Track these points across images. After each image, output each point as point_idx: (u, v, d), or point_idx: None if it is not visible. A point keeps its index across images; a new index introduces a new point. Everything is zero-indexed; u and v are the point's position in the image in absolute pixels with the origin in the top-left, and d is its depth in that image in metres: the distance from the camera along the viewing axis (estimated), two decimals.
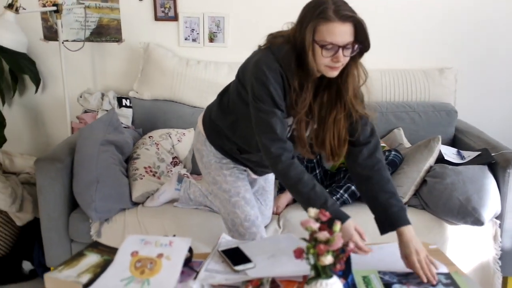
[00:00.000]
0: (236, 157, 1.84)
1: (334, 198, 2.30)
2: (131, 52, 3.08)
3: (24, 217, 2.56)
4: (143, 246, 1.50)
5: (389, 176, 1.65)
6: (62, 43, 2.83)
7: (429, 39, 3.08)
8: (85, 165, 2.28)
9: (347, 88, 1.55)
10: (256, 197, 2.09)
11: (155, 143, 2.63)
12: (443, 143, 2.71)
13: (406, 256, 1.50)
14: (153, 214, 2.29)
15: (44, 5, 2.98)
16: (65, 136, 2.88)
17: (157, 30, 3.05)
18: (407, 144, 2.72)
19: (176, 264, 1.44)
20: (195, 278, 1.42)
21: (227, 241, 1.65)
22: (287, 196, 2.40)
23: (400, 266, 1.50)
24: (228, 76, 2.80)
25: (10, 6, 2.43)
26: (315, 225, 1.24)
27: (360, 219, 2.21)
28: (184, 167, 2.67)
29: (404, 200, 2.33)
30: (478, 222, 2.15)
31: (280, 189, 2.52)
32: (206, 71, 2.91)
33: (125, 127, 2.79)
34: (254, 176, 1.97)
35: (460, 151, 2.55)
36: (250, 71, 1.57)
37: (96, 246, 1.57)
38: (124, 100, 2.88)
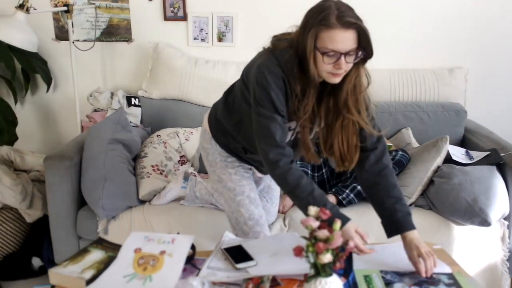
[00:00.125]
0: (241, 156, 1.85)
1: (340, 197, 2.30)
2: (141, 52, 3.10)
3: (34, 214, 2.60)
4: (146, 243, 1.52)
5: (396, 181, 1.65)
6: (73, 42, 2.87)
7: (439, 38, 3.06)
8: (93, 163, 2.31)
9: (358, 93, 1.54)
10: (262, 195, 2.10)
11: (163, 141, 2.65)
12: (452, 143, 2.69)
13: (410, 256, 1.51)
14: (159, 212, 2.31)
15: (56, 6, 3.02)
16: (76, 134, 2.91)
17: (167, 30, 3.07)
18: (415, 144, 2.70)
19: (178, 261, 1.45)
20: (197, 275, 1.44)
21: (230, 239, 1.66)
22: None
23: (402, 265, 1.50)
24: (236, 76, 2.79)
25: (21, 7, 2.46)
26: (315, 224, 1.24)
27: (365, 219, 2.23)
28: (192, 165, 2.68)
29: (411, 200, 2.32)
30: (485, 223, 2.13)
31: None
32: (215, 71, 2.93)
33: (134, 126, 2.82)
34: (259, 174, 1.98)
35: (469, 151, 2.53)
36: (252, 75, 1.57)
37: (100, 243, 1.59)
38: (133, 99, 2.91)
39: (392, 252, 1.60)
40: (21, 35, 2.50)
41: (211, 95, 2.85)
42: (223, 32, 3.06)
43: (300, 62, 1.50)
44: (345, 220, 1.52)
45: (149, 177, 2.40)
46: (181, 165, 2.61)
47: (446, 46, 3.07)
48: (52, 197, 2.32)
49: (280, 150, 1.56)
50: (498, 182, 2.22)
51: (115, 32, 3.09)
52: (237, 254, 1.52)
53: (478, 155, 2.44)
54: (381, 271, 1.45)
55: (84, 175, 2.33)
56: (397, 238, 1.59)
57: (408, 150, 2.57)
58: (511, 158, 2.32)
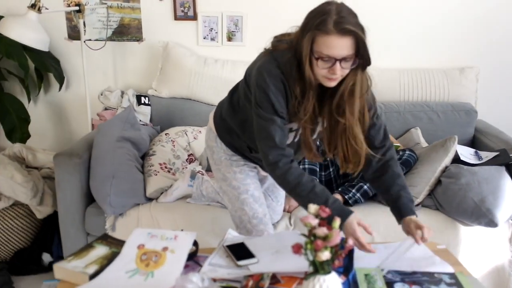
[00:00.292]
0: (246, 155, 1.86)
1: (346, 197, 2.30)
2: (151, 51, 3.13)
3: (44, 210, 2.64)
4: (149, 239, 1.54)
5: (400, 171, 1.69)
6: (84, 42, 2.90)
7: (450, 38, 3.04)
8: (101, 160, 2.34)
9: (355, 98, 1.54)
10: (267, 193, 2.10)
11: (171, 140, 2.67)
12: (462, 143, 2.67)
13: (407, 230, 1.57)
14: (166, 209, 2.33)
15: (68, 5, 3.06)
16: (87, 132, 2.95)
17: (177, 30, 3.09)
18: (424, 143, 2.69)
19: (180, 257, 1.47)
20: (198, 271, 1.45)
21: (233, 236, 1.67)
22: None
23: (404, 265, 1.49)
24: None
25: (33, 6, 2.50)
26: (314, 221, 1.25)
27: (372, 219, 2.23)
28: (200, 164, 2.70)
29: (418, 200, 2.31)
30: (492, 223, 2.11)
31: None
32: (224, 70, 2.95)
33: (144, 124, 2.84)
34: (264, 173, 1.99)
35: (478, 151, 2.51)
36: (253, 77, 1.59)
37: (105, 239, 1.61)
38: (143, 98, 2.94)
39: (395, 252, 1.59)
40: (33, 34, 2.53)
41: (220, 94, 2.85)
42: (233, 31, 3.07)
43: (299, 64, 1.50)
44: (347, 213, 1.53)
45: (156, 175, 2.42)
46: (189, 164, 2.63)
47: (458, 46, 3.05)
48: (61, 193, 2.35)
49: (279, 151, 1.58)
50: (506, 183, 2.20)
51: (126, 31, 3.12)
52: (239, 251, 1.53)
53: (487, 155, 2.42)
54: (382, 270, 1.44)
55: (93, 173, 2.36)
56: (400, 237, 1.59)
57: (417, 150, 2.56)
58: None
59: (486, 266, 2.27)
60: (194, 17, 3.06)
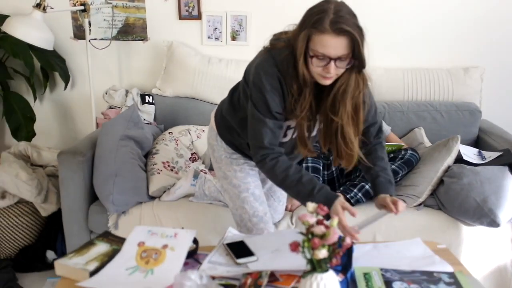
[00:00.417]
0: (246, 153, 1.87)
1: (348, 196, 2.30)
2: (156, 50, 3.14)
3: (49, 208, 2.66)
4: (149, 237, 1.55)
5: (384, 156, 1.74)
6: (89, 41, 2.92)
7: (455, 37, 3.03)
8: (104, 159, 2.35)
9: (346, 99, 1.55)
10: (269, 194, 2.11)
11: (175, 139, 2.68)
12: (466, 143, 2.67)
13: (380, 203, 1.62)
14: (168, 208, 2.34)
15: (74, 5, 3.08)
16: (91, 131, 2.97)
17: (181, 29, 3.11)
18: (427, 143, 2.68)
19: (180, 255, 1.47)
20: (198, 269, 1.46)
21: (233, 234, 1.67)
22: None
23: (403, 264, 1.49)
24: None
25: (38, 6, 2.52)
26: (312, 219, 1.25)
27: None
28: (203, 163, 2.71)
29: (420, 199, 2.30)
30: (494, 223, 2.10)
31: None
32: (227, 69, 2.96)
33: (147, 123, 2.86)
34: None
35: (481, 151, 2.50)
36: (251, 75, 1.60)
37: (106, 236, 1.62)
38: (147, 97, 2.95)
39: (395, 251, 1.59)
40: (37, 33, 2.55)
41: (224, 94, 2.83)
42: (237, 31, 3.08)
43: (296, 61, 1.50)
44: (333, 198, 1.54)
45: (159, 173, 2.44)
46: (192, 162, 2.64)
47: (462, 45, 3.04)
48: (65, 191, 2.37)
49: (267, 150, 1.62)
50: (509, 183, 2.19)
51: (131, 31, 3.14)
52: (239, 250, 1.53)
53: (490, 155, 2.41)
54: (382, 269, 1.44)
55: (96, 171, 2.37)
56: (400, 237, 1.59)
57: (420, 150, 2.55)
58: None
59: (488, 266, 2.26)
60: (199, 17, 3.08)
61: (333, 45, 1.41)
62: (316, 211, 1.31)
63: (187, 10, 3.08)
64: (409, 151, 2.39)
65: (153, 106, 2.95)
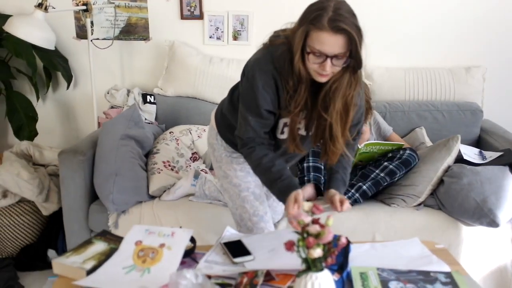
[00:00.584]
0: None
1: (345, 196, 2.29)
2: (158, 50, 3.15)
3: (50, 207, 2.67)
4: (147, 236, 1.55)
5: (350, 156, 1.75)
6: (91, 41, 2.93)
7: (457, 37, 3.02)
8: (105, 158, 2.36)
9: (336, 97, 1.56)
10: (269, 194, 2.10)
11: (175, 138, 2.69)
12: (467, 143, 2.66)
13: (330, 197, 1.63)
14: (168, 207, 2.34)
15: (77, 5, 3.09)
16: (93, 131, 2.98)
17: (183, 29, 3.11)
18: (429, 143, 2.68)
19: (177, 254, 1.48)
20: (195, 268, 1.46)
21: (231, 234, 1.67)
22: (306, 192, 2.40)
23: (400, 264, 1.49)
24: None
25: (40, 5, 2.53)
26: (307, 219, 1.25)
27: (373, 218, 2.23)
28: (204, 162, 2.71)
29: (420, 199, 2.30)
30: (493, 223, 2.09)
31: (299, 185, 2.53)
32: (229, 69, 2.96)
33: (149, 123, 2.86)
34: None
35: (482, 151, 2.49)
36: (246, 69, 1.62)
37: (104, 235, 1.63)
38: (148, 97, 2.96)
39: (392, 250, 1.59)
40: (39, 33, 2.56)
41: (225, 93, 2.83)
42: (239, 30, 3.08)
43: (293, 58, 1.51)
44: (291, 190, 1.57)
45: (159, 173, 2.44)
46: (193, 162, 2.64)
47: (464, 44, 3.03)
48: (65, 190, 2.38)
49: (247, 141, 1.67)
50: (510, 183, 2.17)
51: (133, 30, 3.15)
52: (236, 249, 1.53)
53: (491, 155, 2.40)
54: (378, 269, 1.44)
55: (96, 170, 2.38)
56: (400, 236, 1.59)
57: (421, 150, 2.54)
58: None
59: (488, 267, 2.25)
60: (200, 16, 3.08)
61: (330, 42, 1.42)
62: (312, 211, 1.31)
63: (189, 10, 3.08)
64: (407, 151, 2.37)
65: (154, 105, 2.96)
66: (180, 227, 1.64)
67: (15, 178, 2.55)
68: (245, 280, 1.37)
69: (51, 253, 2.67)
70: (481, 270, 2.25)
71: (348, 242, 1.52)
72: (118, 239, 1.58)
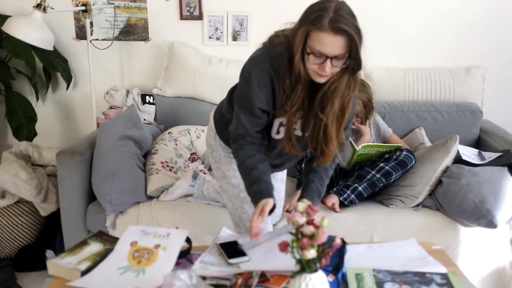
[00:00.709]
0: None
1: (341, 198, 2.29)
2: (157, 51, 3.15)
3: (48, 207, 2.67)
4: (142, 236, 1.55)
5: (330, 167, 1.76)
6: (90, 41, 2.93)
7: (456, 37, 3.00)
8: (103, 158, 2.36)
9: (334, 98, 1.55)
10: None
11: (174, 139, 2.69)
12: (467, 144, 2.65)
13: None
14: (166, 208, 2.34)
15: (77, 5, 3.09)
16: (92, 131, 2.98)
17: (183, 29, 3.11)
18: (428, 144, 2.66)
19: (172, 254, 1.47)
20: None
21: (227, 234, 1.67)
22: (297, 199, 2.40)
23: (396, 265, 1.48)
24: None
25: (38, 6, 2.53)
26: (301, 219, 1.25)
27: (370, 219, 2.22)
28: (202, 163, 2.70)
29: (418, 200, 2.29)
30: (491, 224, 2.07)
31: (298, 185, 2.53)
32: (228, 69, 2.96)
33: (148, 123, 2.86)
34: None
35: (482, 152, 2.48)
36: (244, 68, 1.63)
37: (100, 236, 1.63)
38: (147, 97, 2.96)
39: (388, 251, 1.58)
40: (37, 33, 2.56)
41: (224, 94, 2.82)
42: (238, 31, 3.08)
43: (291, 58, 1.51)
44: (262, 198, 1.58)
45: (157, 173, 2.44)
46: (192, 162, 2.64)
47: (464, 45, 3.02)
48: (63, 191, 2.38)
49: (235, 137, 1.68)
50: (508, 184, 2.16)
51: (133, 31, 3.15)
52: (231, 250, 1.53)
53: (490, 156, 2.39)
54: (374, 270, 1.43)
55: (95, 170, 2.38)
56: (399, 237, 1.58)
57: (419, 150, 2.53)
58: None
59: (486, 268, 2.24)
60: (200, 17, 3.08)
61: (330, 43, 1.42)
62: (307, 211, 1.31)
63: (188, 10, 3.08)
64: (404, 152, 2.35)
65: (153, 106, 2.95)
66: (177, 227, 1.64)
67: (13, 178, 2.55)
68: (239, 281, 1.36)
69: (49, 253, 2.64)
70: (479, 271, 2.23)
71: (344, 243, 1.52)
72: (113, 240, 1.58)
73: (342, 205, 2.28)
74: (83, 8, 2.85)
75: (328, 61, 1.44)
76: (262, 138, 1.70)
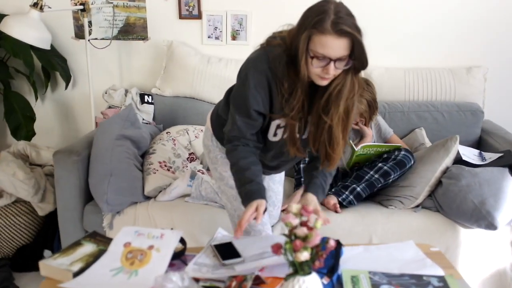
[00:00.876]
0: None
1: (340, 199, 2.27)
2: (156, 50, 3.14)
3: (46, 207, 2.66)
4: (136, 237, 1.53)
5: (329, 174, 1.75)
6: (88, 41, 2.92)
7: (457, 36, 2.98)
8: (100, 158, 2.35)
9: (339, 100, 1.53)
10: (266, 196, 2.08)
11: (172, 138, 2.67)
12: (467, 145, 2.62)
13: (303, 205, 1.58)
14: (163, 208, 2.32)
15: (75, 5, 3.08)
16: (90, 131, 2.97)
17: (182, 28, 3.10)
18: (428, 144, 2.64)
19: (165, 256, 1.46)
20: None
21: (222, 236, 1.65)
22: (301, 193, 2.38)
23: (393, 267, 1.46)
24: None
25: (35, 5, 2.52)
26: (295, 221, 1.23)
27: (369, 220, 2.20)
28: (201, 163, 2.69)
29: (418, 201, 2.26)
30: (491, 226, 2.05)
31: (296, 186, 2.51)
32: (227, 69, 2.94)
33: (146, 123, 2.85)
34: None
35: (482, 152, 2.45)
36: (241, 69, 1.61)
37: (94, 236, 1.61)
38: (146, 97, 2.94)
39: (386, 253, 1.56)
40: (34, 32, 2.55)
41: (223, 93, 2.83)
42: (237, 30, 3.06)
43: (290, 61, 1.49)
44: (254, 198, 1.55)
45: (155, 173, 2.42)
46: (190, 162, 2.62)
47: (465, 44, 2.99)
48: (60, 191, 2.37)
49: (229, 139, 1.66)
50: (509, 185, 2.13)
51: (132, 30, 3.14)
52: (226, 251, 1.51)
53: (491, 156, 2.36)
54: (370, 272, 1.41)
55: (91, 170, 2.37)
56: (397, 239, 1.56)
57: (420, 151, 2.51)
58: None
59: (487, 270, 2.21)
60: (199, 16, 3.06)
61: (334, 46, 1.40)
62: (301, 213, 1.29)
63: (187, 10, 3.06)
64: (402, 152, 2.33)
65: (152, 105, 2.94)
66: (172, 228, 1.62)
67: (11, 178, 2.54)
68: (234, 283, 1.34)
69: (47, 253, 2.66)
70: (480, 274, 2.21)
71: (340, 245, 1.50)
72: (107, 241, 1.56)
73: (341, 206, 2.26)
74: (81, 7, 2.84)
75: (332, 63, 1.42)
76: (257, 141, 1.68)
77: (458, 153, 2.34)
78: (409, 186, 2.28)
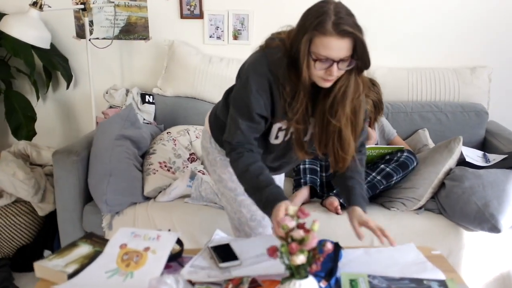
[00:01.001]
0: None
1: (341, 200, 2.23)
2: (157, 50, 3.12)
3: (46, 207, 2.65)
4: (132, 239, 1.51)
5: (362, 170, 1.69)
6: (90, 40, 2.91)
7: (462, 36, 2.94)
8: (99, 158, 2.33)
9: (345, 101, 1.50)
10: None
11: (173, 139, 2.65)
12: (472, 146, 2.59)
13: (363, 222, 1.53)
14: (162, 209, 2.31)
15: (76, 4, 3.07)
16: (91, 131, 2.96)
17: (183, 28, 3.08)
18: (432, 145, 2.61)
19: (161, 258, 1.44)
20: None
21: (220, 237, 1.63)
22: (302, 194, 2.35)
23: (393, 270, 1.43)
24: None
25: (34, 4, 2.51)
26: (291, 224, 1.20)
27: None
28: (202, 163, 2.67)
29: (421, 203, 2.23)
30: (495, 229, 2.02)
31: (295, 187, 2.48)
32: (228, 69, 2.92)
33: (147, 123, 2.83)
34: None
35: (486, 154, 2.42)
36: (241, 72, 1.58)
37: (90, 237, 1.59)
38: (147, 97, 2.93)
39: (386, 256, 1.54)
40: (33, 32, 2.54)
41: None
42: (239, 30, 3.04)
43: (291, 63, 1.46)
44: (279, 200, 1.47)
45: (155, 173, 2.41)
46: (191, 163, 2.60)
47: (469, 44, 2.95)
48: (59, 191, 2.36)
49: (235, 146, 1.60)
50: None
51: (133, 30, 3.12)
52: (223, 253, 1.49)
53: (495, 158, 2.33)
54: (369, 275, 1.39)
55: (91, 170, 2.36)
56: (399, 241, 1.53)
57: (423, 152, 2.47)
58: None
59: (490, 274, 2.18)
60: (200, 16, 3.05)
61: (336, 47, 1.37)
62: (297, 215, 1.26)
63: (189, 9, 3.05)
64: (405, 154, 2.31)
65: (153, 105, 2.93)
66: (169, 230, 1.61)
67: (11, 178, 2.53)
68: (230, 286, 1.32)
69: (47, 254, 2.65)
70: (483, 277, 2.18)
71: (339, 248, 1.48)
72: (104, 242, 1.54)
73: (342, 207, 2.23)
74: (82, 6, 2.83)
75: (335, 65, 1.39)
76: (258, 146, 1.64)
77: (461, 154, 2.31)
78: (412, 187, 2.25)
